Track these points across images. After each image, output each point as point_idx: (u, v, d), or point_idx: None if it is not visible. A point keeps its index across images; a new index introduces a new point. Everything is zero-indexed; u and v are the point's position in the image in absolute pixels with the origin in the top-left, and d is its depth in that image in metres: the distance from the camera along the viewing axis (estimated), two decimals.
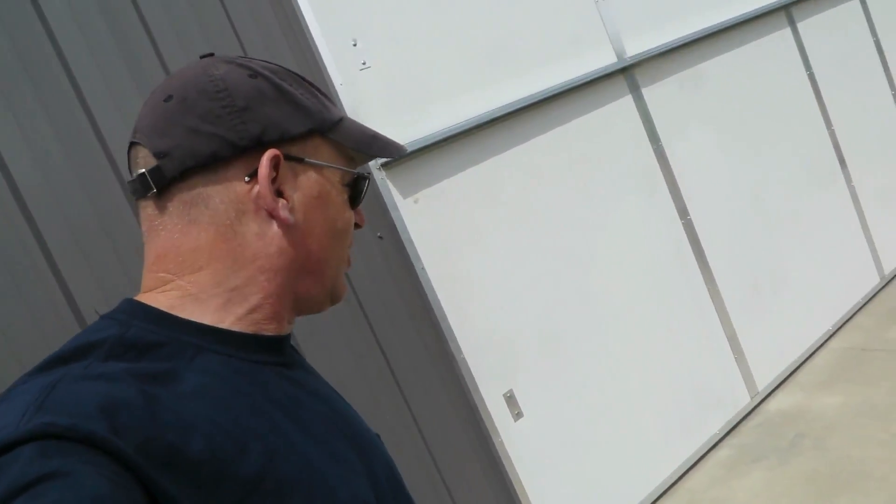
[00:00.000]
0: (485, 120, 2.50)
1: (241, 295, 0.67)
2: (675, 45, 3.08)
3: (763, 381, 3.18)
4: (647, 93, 2.99)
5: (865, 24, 4.06)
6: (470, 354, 2.40)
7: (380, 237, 2.35)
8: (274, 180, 0.66)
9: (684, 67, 3.15)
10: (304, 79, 0.73)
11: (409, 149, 2.33)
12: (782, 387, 3.21)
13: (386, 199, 2.31)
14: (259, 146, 0.66)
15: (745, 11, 3.41)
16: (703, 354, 3.02)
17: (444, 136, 2.41)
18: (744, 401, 3.12)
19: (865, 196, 3.82)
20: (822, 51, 3.76)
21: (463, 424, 2.42)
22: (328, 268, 0.72)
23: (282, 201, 0.67)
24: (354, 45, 2.30)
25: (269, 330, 0.69)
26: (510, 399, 2.48)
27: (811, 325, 3.43)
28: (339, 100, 2.25)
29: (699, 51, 3.21)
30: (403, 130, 2.35)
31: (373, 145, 0.74)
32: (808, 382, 3.18)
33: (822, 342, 3.42)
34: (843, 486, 2.45)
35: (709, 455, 2.94)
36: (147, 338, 0.62)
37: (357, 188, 0.75)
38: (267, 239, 0.67)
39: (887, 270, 3.86)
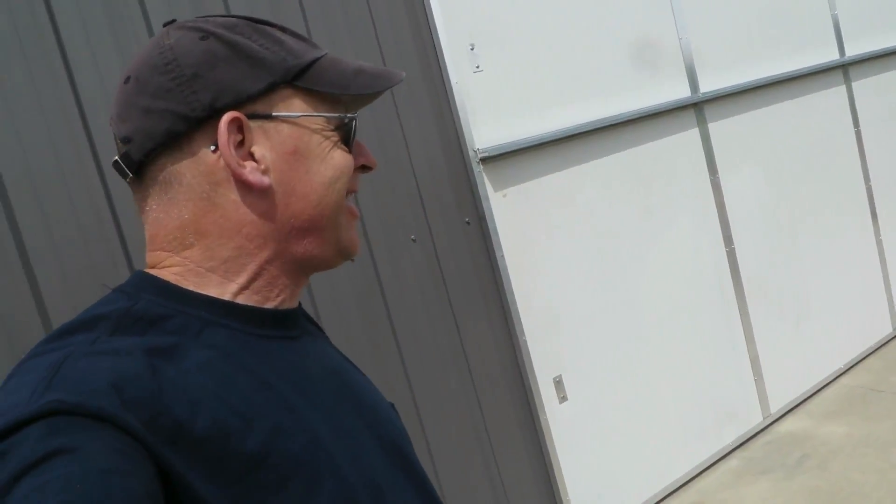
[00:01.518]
0: (571, 133, 2.79)
1: (237, 265, 0.66)
2: (744, 88, 3.37)
3: (777, 405, 3.47)
4: (713, 128, 3.28)
5: None
6: (530, 338, 2.69)
7: (467, 223, 2.64)
8: (241, 144, 0.64)
9: (749, 109, 3.43)
10: (270, 25, 0.69)
11: (505, 150, 2.62)
12: (794, 412, 3.50)
13: (480, 190, 2.59)
14: (216, 113, 0.63)
15: (807, 66, 3.69)
16: (727, 372, 3.31)
17: (536, 142, 2.69)
18: (757, 419, 3.41)
19: (890, 251, 4.10)
20: (872, 111, 4.03)
21: (514, 399, 2.71)
22: (326, 222, 0.69)
23: (251, 164, 0.65)
24: (472, 48, 2.59)
25: (274, 300, 0.69)
26: (559, 383, 2.77)
27: (827, 360, 3.72)
28: (452, 96, 2.54)
29: (764, 96, 3.50)
30: (499, 132, 2.64)
31: (351, 85, 0.69)
32: (818, 411, 3.47)
33: (834, 377, 3.71)
34: None
35: (720, 462, 3.23)
36: (154, 310, 0.62)
37: (347, 130, 0.70)
38: (247, 205, 0.65)
39: None
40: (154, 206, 0.66)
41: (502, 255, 2.64)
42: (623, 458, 2.93)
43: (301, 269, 0.71)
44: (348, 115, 0.70)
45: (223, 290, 0.66)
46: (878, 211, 4.06)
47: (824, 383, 3.67)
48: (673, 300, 3.13)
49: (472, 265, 2.65)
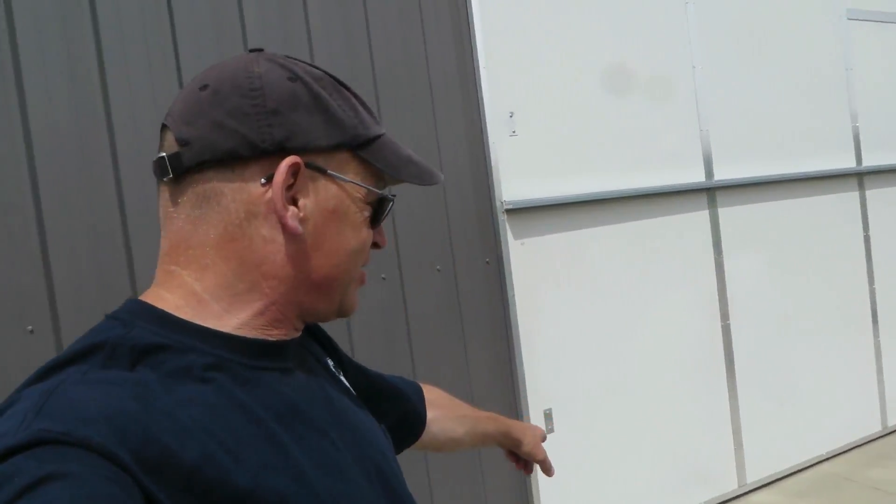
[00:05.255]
0: (589, 199, 3.18)
1: (245, 300, 0.67)
2: (756, 182, 3.72)
3: (753, 476, 3.70)
4: (723, 212, 3.63)
5: None
6: (528, 370, 3.04)
7: (487, 262, 3.03)
8: (290, 187, 0.66)
9: (759, 201, 3.78)
10: (348, 89, 0.72)
11: (526, 205, 3.02)
12: (769, 486, 3.73)
13: (501, 236, 2.99)
14: (281, 151, 0.65)
15: (823, 169, 4.02)
16: (708, 436, 3.58)
17: (555, 202, 3.09)
18: (731, 486, 3.65)
19: (888, 354, 4.32)
20: (883, 220, 4.32)
21: None
22: (336, 284, 0.72)
23: (292, 210, 0.66)
24: (511, 116, 3.02)
25: (272, 335, 0.69)
26: (548, 415, 3.10)
27: (808, 445, 3.94)
28: (488, 154, 2.97)
29: (775, 191, 3.84)
30: (524, 189, 3.04)
31: (403, 170, 0.73)
32: (791, 490, 3.69)
33: (815, 462, 3.93)
34: None
35: None
36: (149, 339, 0.62)
37: (380, 208, 0.73)
38: (274, 245, 0.66)
39: (890, 423, 4.33)
40: (182, 216, 0.67)
41: (513, 295, 3.02)
42: (598, 498, 3.21)
43: (299, 316, 0.73)
44: (391, 195, 0.74)
45: (222, 322, 0.66)
46: (879, 314, 4.30)
47: (803, 466, 3.88)
48: (664, 360, 3.45)
49: (487, 299, 3.03)
